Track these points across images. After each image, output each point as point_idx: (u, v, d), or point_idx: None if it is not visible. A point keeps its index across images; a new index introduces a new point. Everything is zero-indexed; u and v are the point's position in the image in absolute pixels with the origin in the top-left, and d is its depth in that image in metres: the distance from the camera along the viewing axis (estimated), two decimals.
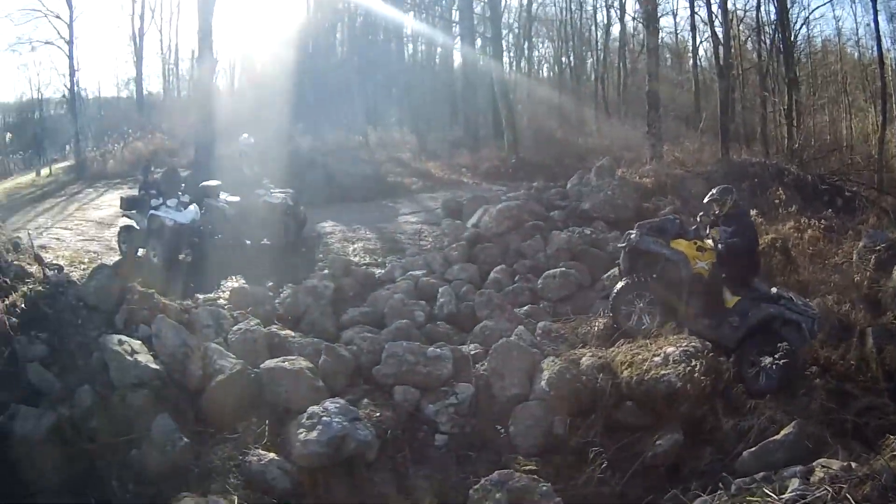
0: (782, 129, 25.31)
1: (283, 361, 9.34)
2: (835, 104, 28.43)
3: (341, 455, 7.88)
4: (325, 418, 8.07)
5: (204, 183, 16.63)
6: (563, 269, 13.19)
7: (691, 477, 7.54)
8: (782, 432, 7.65)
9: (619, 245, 11.19)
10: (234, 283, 13.43)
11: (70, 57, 30.92)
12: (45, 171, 29.40)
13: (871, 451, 6.74)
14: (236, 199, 16.26)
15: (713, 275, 10.15)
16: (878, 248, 12.65)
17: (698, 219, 10.69)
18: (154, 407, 8.62)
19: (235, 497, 7.12)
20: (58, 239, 16.59)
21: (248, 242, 15.95)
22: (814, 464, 6.47)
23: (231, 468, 7.63)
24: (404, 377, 9.47)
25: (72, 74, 31.14)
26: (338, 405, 8.37)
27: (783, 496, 5.70)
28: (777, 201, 15.13)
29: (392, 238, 16.80)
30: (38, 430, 8.20)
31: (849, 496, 5.12)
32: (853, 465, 6.03)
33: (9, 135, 38.31)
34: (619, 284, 10.85)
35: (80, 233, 17.59)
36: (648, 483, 7.66)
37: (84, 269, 13.37)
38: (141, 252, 14.83)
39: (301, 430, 8.03)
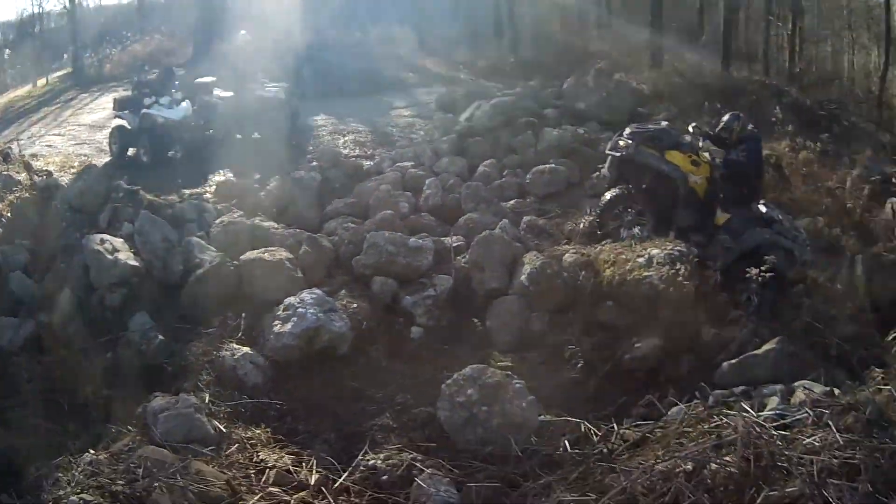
0: (784, 53, 24.71)
1: (264, 252, 9.19)
2: (837, 38, 28.26)
3: (314, 347, 7.79)
4: (300, 309, 7.95)
5: (198, 79, 16.50)
6: (553, 165, 12.88)
7: (669, 384, 7.19)
8: (764, 347, 7.30)
9: (609, 151, 10.36)
10: (220, 177, 13.25)
11: None
12: (41, 82, 28.71)
13: (854, 380, 6.32)
14: (229, 94, 16.06)
15: (709, 192, 9.78)
16: (872, 178, 12.58)
17: (690, 129, 10.16)
18: (133, 306, 8.64)
19: (207, 394, 6.88)
20: (49, 146, 16.40)
21: (238, 136, 15.77)
22: (795, 385, 6.30)
23: (204, 364, 7.48)
24: (384, 268, 9.25)
25: None
26: (314, 296, 8.23)
27: (762, 413, 5.39)
28: (774, 119, 14.65)
29: (383, 131, 16.50)
30: (17, 340, 8.25)
31: (830, 423, 4.82)
32: (836, 391, 5.81)
33: (7, 51, 37.74)
34: (608, 195, 10.39)
35: (72, 137, 17.40)
36: (625, 387, 7.40)
37: (74, 173, 13.28)
38: (131, 151, 14.81)
39: (276, 322, 7.94)
